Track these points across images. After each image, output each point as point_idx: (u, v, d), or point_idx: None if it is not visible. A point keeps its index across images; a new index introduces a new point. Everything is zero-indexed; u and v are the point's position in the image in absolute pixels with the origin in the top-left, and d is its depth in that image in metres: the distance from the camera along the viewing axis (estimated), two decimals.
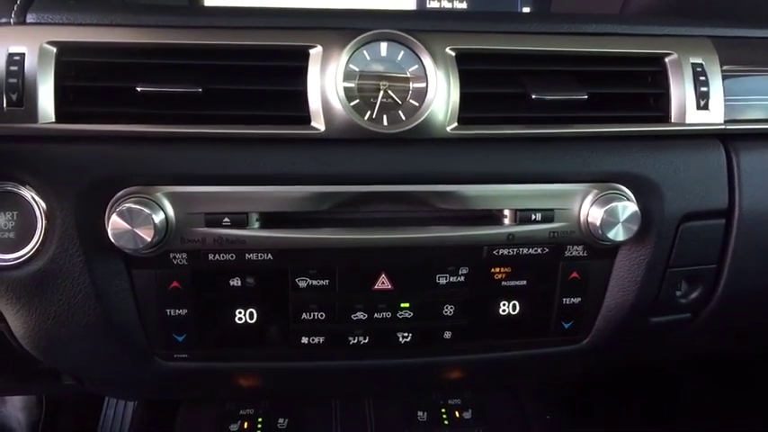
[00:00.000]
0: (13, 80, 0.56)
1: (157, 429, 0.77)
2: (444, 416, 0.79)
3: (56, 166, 0.58)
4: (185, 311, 0.63)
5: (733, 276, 0.65)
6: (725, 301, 0.66)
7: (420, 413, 0.78)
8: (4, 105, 0.56)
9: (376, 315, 0.65)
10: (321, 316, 0.64)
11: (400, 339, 0.66)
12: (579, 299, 0.66)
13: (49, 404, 1.38)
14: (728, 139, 0.64)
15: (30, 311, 0.61)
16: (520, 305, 0.66)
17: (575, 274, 0.65)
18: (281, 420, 0.77)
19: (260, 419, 0.77)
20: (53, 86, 0.57)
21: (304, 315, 0.64)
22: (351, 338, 0.66)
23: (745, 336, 0.78)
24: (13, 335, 0.65)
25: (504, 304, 0.66)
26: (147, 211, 0.56)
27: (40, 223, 0.58)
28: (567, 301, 0.66)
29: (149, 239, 0.56)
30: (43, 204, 0.58)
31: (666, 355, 0.81)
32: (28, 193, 0.58)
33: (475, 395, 0.80)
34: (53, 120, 0.57)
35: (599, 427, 0.82)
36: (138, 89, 0.57)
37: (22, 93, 0.57)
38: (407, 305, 0.65)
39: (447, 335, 0.66)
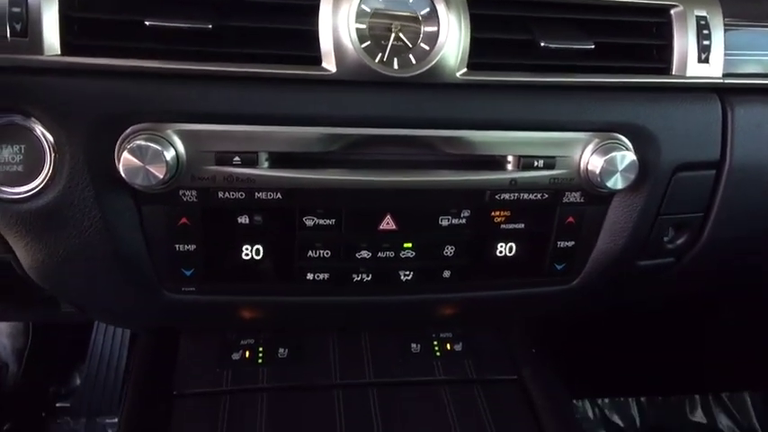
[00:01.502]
0: (16, 9, 0.55)
1: (160, 357, 0.79)
2: (436, 348, 0.83)
3: (63, 99, 0.57)
4: (194, 247, 0.65)
5: (717, 224, 0.69)
6: (707, 247, 0.71)
7: (414, 345, 0.83)
8: (8, 35, 0.55)
9: (380, 254, 0.67)
10: (326, 254, 0.67)
11: (402, 278, 0.69)
12: (573, 242, 0.70)
13: (36, 331, 1.40)
14: (725, 93, 0.66)
15: (39, 244, 0.62)
16: (516, 247, 0.69)
17: (570, 219, 0.68)
18: (281, 350, 0.80)
19: (260, 349, 0.80)
20: (57, 17, 0.56)
21: (310, 253, 0.66)
22: (354, 276, 0.68)
23: (723, 279, 0.83)
24: (20, 265, 0.66)
25: (501, 246, 0.69)
26: (158, 148, 0.56)
27: (49, 157, 0.58)
28: (561, 244, 0.70)
29: (161, 177, 0.57)
30: (51, 138, 0.58)
31: (649, 295, 0.86)
32: (35, 126, 0.58)
33: (465, 330, 0.84)
34: (58, 52, 0.56)
35: (582, 360, 0.88)
36: (147, 23, 0.56)
37: (26, 23, 0.55)
38: (410, 245, 0.67)
39: (446, 274, 0.69)
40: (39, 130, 0.58)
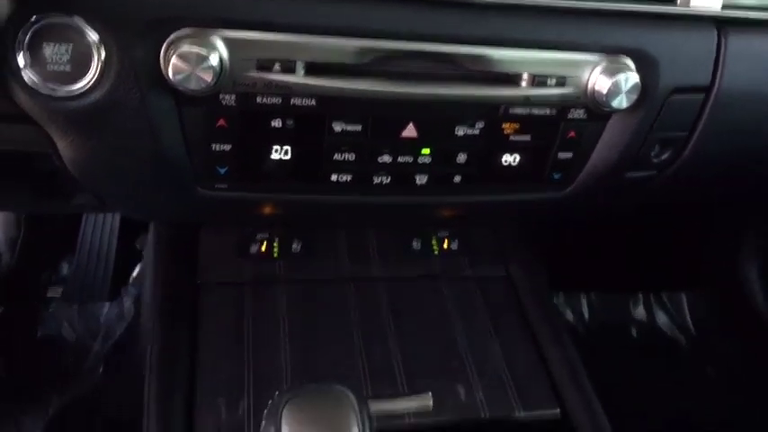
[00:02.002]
0: None
1: (182, 249, 0.85)
2: (434, 246, 0.92)
3: (110, 2, 0.58)
4: (229, 147, 0.69)
5: (700, 142, 0.78)
6: (688, 162, 0.79)
7: (414, 243, 0.91)
8: None
9: (399, 159, 0.73)
10: (351, 157, 0.72)
11: (417, 181, 0.76)
12: (571, 154, 0.77)
13: (27, 221, 1.42)
14: (722, 24, 0.72)
15: (83, 141, 0.65)
16: (521, 157, 0.77)
17: (572, 134, 0.75)
18: (294, 245, 0.87)
19: (275, 243, 0.87)
20: None
21: (336, 155, 0.72)
22: (375, 178, 0.74)
23: (701, 190, 0.93)
24: (61, 159, 0.69)
25: (507, 156, 0.76)
26: (205, 53, 0.59)
27: (96, 58, 0.60)
28: (560, 155, 0.77)
29: (209, 81, 0.60)
30: (98, 39, 0.59)
31: (633, 202, 0.96)
32: (83, 27, 0.59)
33: (461, 230, 0.93)
34: None
35: (568, 256, 0.98)
36: None
37: None
38: (428, 152, 0.73)
39: (457, 179, 0.76)
40: (87, 31, 0.59)
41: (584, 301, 1.81)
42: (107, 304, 1.53)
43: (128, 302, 1.46)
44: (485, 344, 0.81)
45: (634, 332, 1.79)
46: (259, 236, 0.87)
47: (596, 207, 0.87)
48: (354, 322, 0.80)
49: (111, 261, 1.50)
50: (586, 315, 1.79)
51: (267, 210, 0.78)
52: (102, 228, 1.50)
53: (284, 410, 0.48)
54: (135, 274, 1.51)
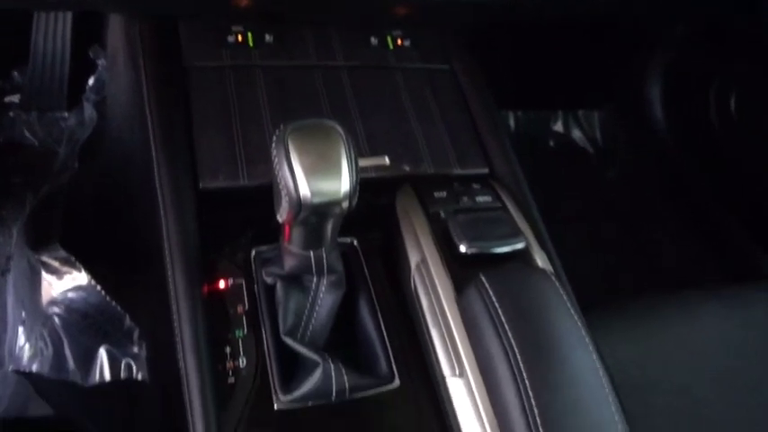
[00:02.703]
0: None
1: (165, 39, 0.93)
2: (390, 42, 1.04)
3: None
4: None
5: None
6: None
7: (373, 39, 1.03)
8: None
9: None
10: None
11: None
12: None
13: None
14: None
15: None
16: None
17: None
18: (267, 37, 0.97)
19: (249, 34, 0.97)
20: None
21: None
22: None
23: None
24: None
25: None
26: None
27: None
28: None
29: None
30: None
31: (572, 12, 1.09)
32: None
33: (413, 29, 1.06)
34: None
35: (498, 79, 1.12)
36: None
37: None
38: None
39: None
40: None
41: (511, 117, 2.03)
42: (66, 113, 1.59)
43: (89, 110, 1.53)
44: (433, 124, 0.98)
45: (552, 143, 2.04)
46: (234, 28, 0.97)
47: (538, 13, 1.00)
48: (323, 102, 0.94)
49: (66, 70, 1.53)
50: (513, 128, 2.01)
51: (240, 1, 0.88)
52: (53, 37, 1.51)
53: (289, 137, 0.64)
54: (91, 82, 1.56)
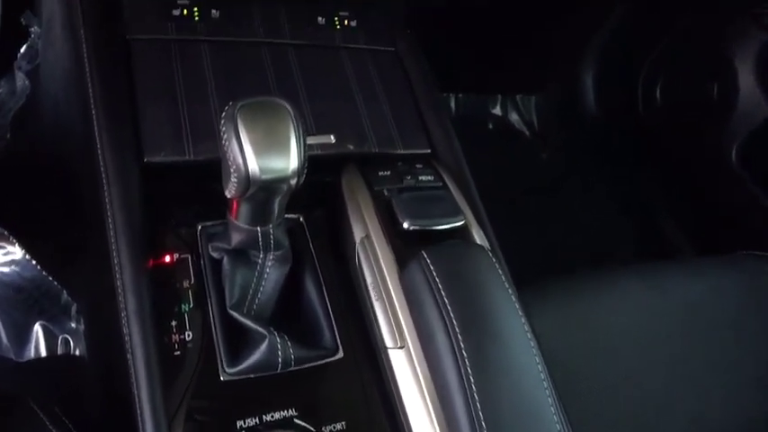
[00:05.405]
0: None
1: (107, 7, 0.91)
2: (336, 22, 1.05)
3: None
4: None
5: None
6: None
7: (320, 18, 1.04)
8: None
9: None
10: None
11: None
12: None
13: None
14: None
15: None
16: None
17: None
18: (213, 12, 0.97)
19: (195, 9, 0.96)
20: None
21: None
22: None
23: None
24: None
25: None
26: None
27: None
28: None
29: None
30: None
31: None
32: None
33: (359, 12, 1.07)
34: None
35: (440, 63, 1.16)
36: None
37: None
38: None
39: None
40: None
41: (453, 100, 2.07)
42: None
43: (21, 79, 1.46)
44: (377, 104, 1.00)
45: (491, 125, 2.10)
46: (180, 2, 0.95)
47: None
48: (270, 79, 0.95)
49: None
50: (454, 110, 2.06)
51: None
52: None
53: (238, 114, 0.65)
54: (23, 50, 1.49)
